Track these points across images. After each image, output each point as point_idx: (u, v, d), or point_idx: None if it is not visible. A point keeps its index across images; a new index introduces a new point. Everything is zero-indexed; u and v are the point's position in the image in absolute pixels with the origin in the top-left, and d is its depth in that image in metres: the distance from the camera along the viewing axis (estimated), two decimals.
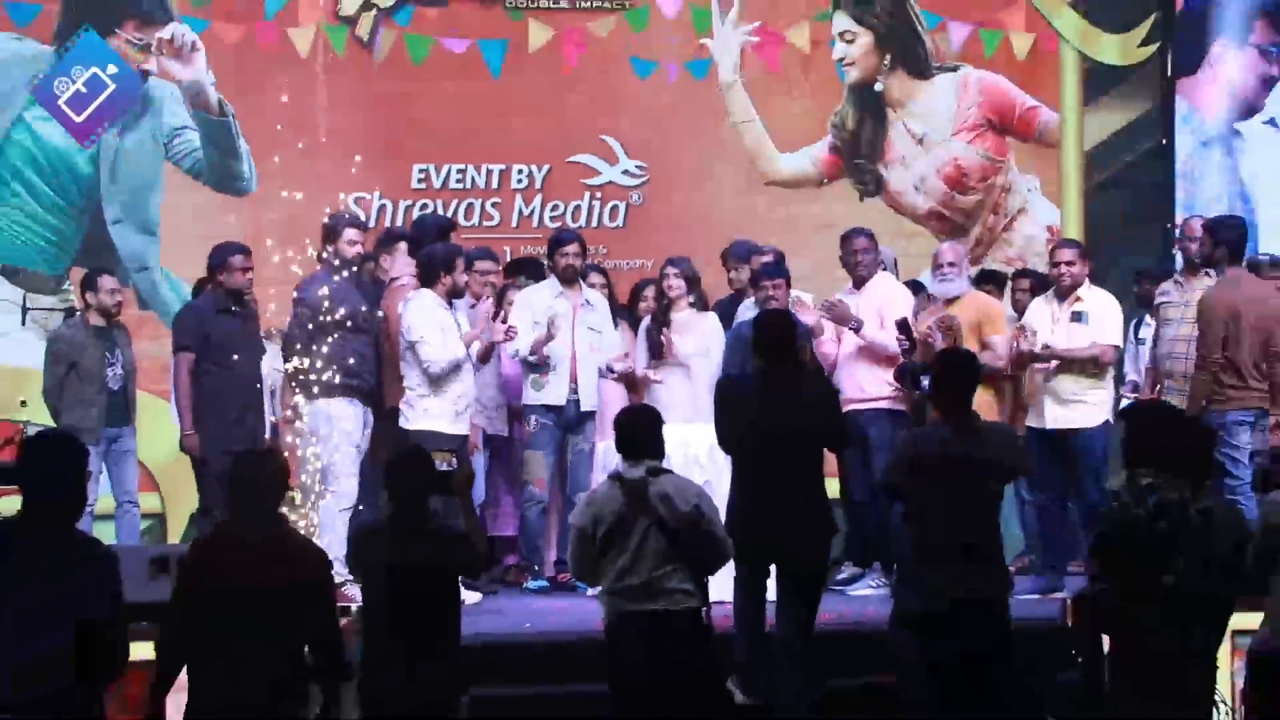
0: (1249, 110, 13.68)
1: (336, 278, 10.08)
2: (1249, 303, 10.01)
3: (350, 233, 10.17)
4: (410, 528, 7.37)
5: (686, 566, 7.53)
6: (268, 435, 10.40)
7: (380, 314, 10.25)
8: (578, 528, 7.69)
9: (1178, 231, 11.51)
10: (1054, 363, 10.13)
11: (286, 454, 10.08)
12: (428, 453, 8.07)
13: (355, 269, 10.20)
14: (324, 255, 10.19)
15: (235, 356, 10.01)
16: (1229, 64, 13.62)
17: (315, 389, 9.88)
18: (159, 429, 11.22)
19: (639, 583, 7.51)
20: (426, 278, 10.05)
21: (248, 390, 10.09)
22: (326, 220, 10.39)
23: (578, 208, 13.02)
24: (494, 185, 12.96)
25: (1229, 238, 10.20)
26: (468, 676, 7.55)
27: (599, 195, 13.07)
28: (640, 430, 7.79)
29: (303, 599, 6.67)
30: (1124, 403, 10.45)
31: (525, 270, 11.30)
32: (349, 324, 9.94)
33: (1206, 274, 10.38)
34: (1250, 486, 9.22)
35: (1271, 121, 13.65)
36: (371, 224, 11.99)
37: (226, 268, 10.06)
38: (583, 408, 10.58)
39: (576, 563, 7.86)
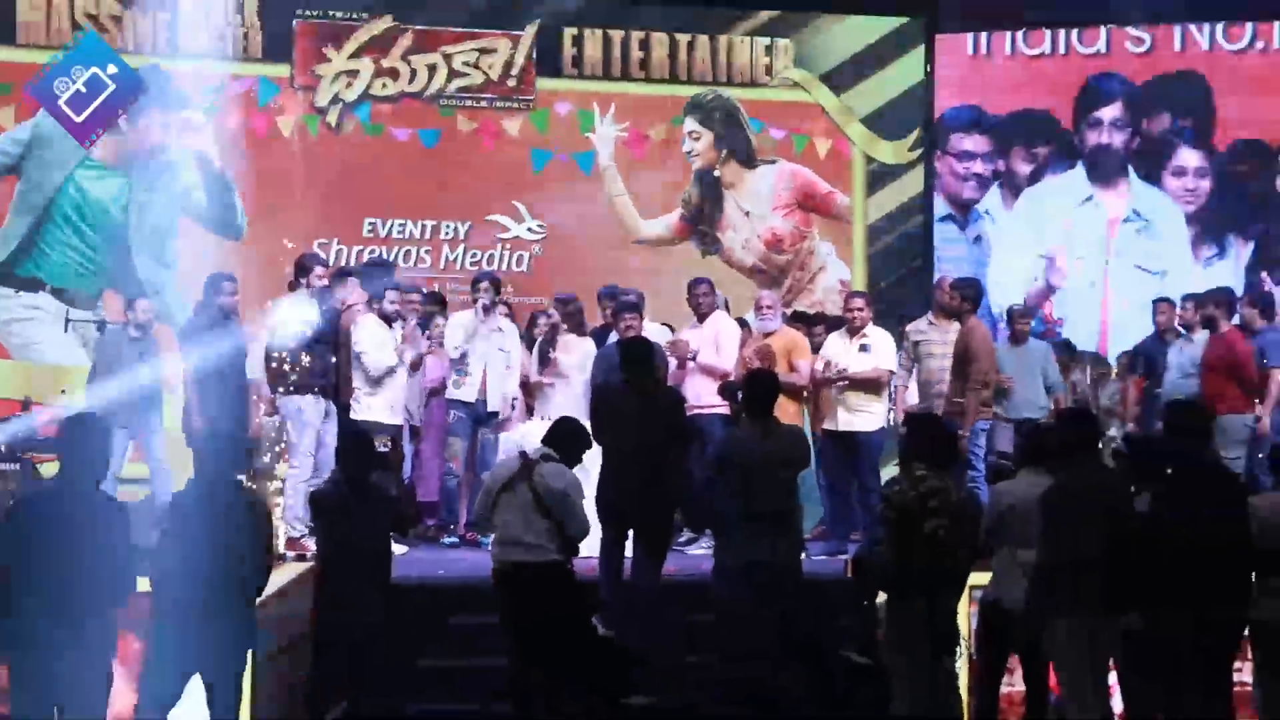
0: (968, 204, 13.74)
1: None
2: (988, 340, 10.11)
3: (318, 270, 9.96)
4: (356, 493, 7.27)
5: (554, 529, 7.48)
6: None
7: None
8: (485, 483, 7.73)
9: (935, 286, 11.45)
10: (845, 381, 10.11)
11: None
12: (370, 436, 7.97)
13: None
14: (298, 285, 9.95)
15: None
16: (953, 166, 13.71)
17: (287, 387, 9.67)
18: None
19: (512, 536, 7.49)
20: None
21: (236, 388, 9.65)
22: (300, 260, 10.17)
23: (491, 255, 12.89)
24: (427, 236, 12.81)
25: (971, 294, 10.24)
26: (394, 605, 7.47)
27: (508, 246, 12.94)
28: (561, 436, 7.80)
29: None
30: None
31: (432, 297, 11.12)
32: (316, 338, 9.73)
33: (953, 319, 10.41)
34: (984, 478, 9.27)
35: (986, 212, 13.69)
36: (330, 263, 11.71)
37: (219, 291, 9.67)
38: (489, 408, 10.36)
39: (476, 511, 7.88)
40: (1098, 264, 13.48)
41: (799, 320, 11.32)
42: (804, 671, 7.17)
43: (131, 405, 9.74)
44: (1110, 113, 13.51)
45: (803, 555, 8.11)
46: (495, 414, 10.41)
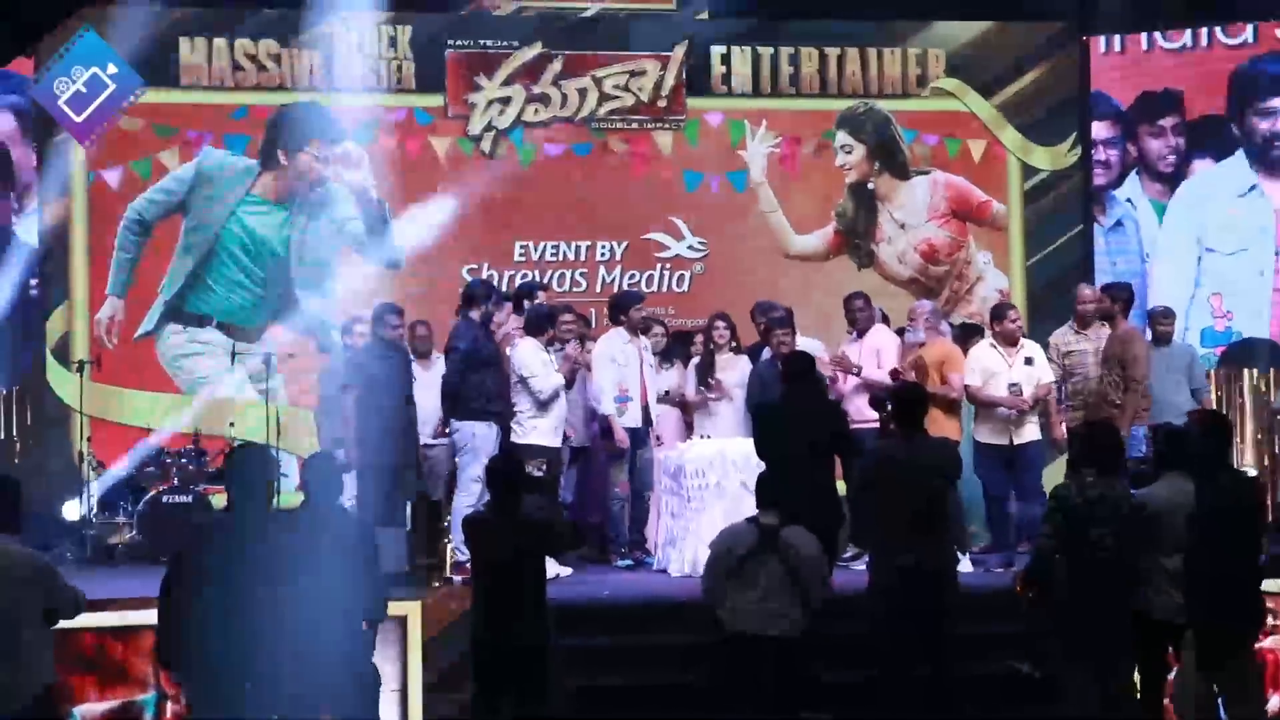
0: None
1: (476, 331, 9.83)
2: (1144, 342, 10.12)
3: (491, 306, 9.95)
4: (506, 516, 7.27)
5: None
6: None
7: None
8: (715, 552, 7.57)
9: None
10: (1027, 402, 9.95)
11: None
12: (520, 460, 7.97)
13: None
14: (466, 313, 10.03)
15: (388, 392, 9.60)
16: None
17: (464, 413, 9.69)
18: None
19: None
20: (532, 329, 9.95)
21: (397, 415, 9.61)
22: (468, 288, 10.20)
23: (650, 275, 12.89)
24: (581, 258, 12.87)
25: (1124, 297, 10.17)
26: (553, 627, 7.45)
27: (668, 265, 12.94)
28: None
29: None
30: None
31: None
32: (486, 362, 9.80)
33: (1101, 325, 10.23)
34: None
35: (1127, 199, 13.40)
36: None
37: (383, 324, 9.74)
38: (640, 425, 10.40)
39: (711, 583, 7.59)
40: (1265, 254, 13.10)
41: (971, 332, 11.09)
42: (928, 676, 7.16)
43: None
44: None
45: (958, 565, 8.00)
46: (646, 433, 10.40)
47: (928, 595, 7.48)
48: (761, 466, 8.29)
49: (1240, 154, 13.20)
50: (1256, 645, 7.42)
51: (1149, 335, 10.57)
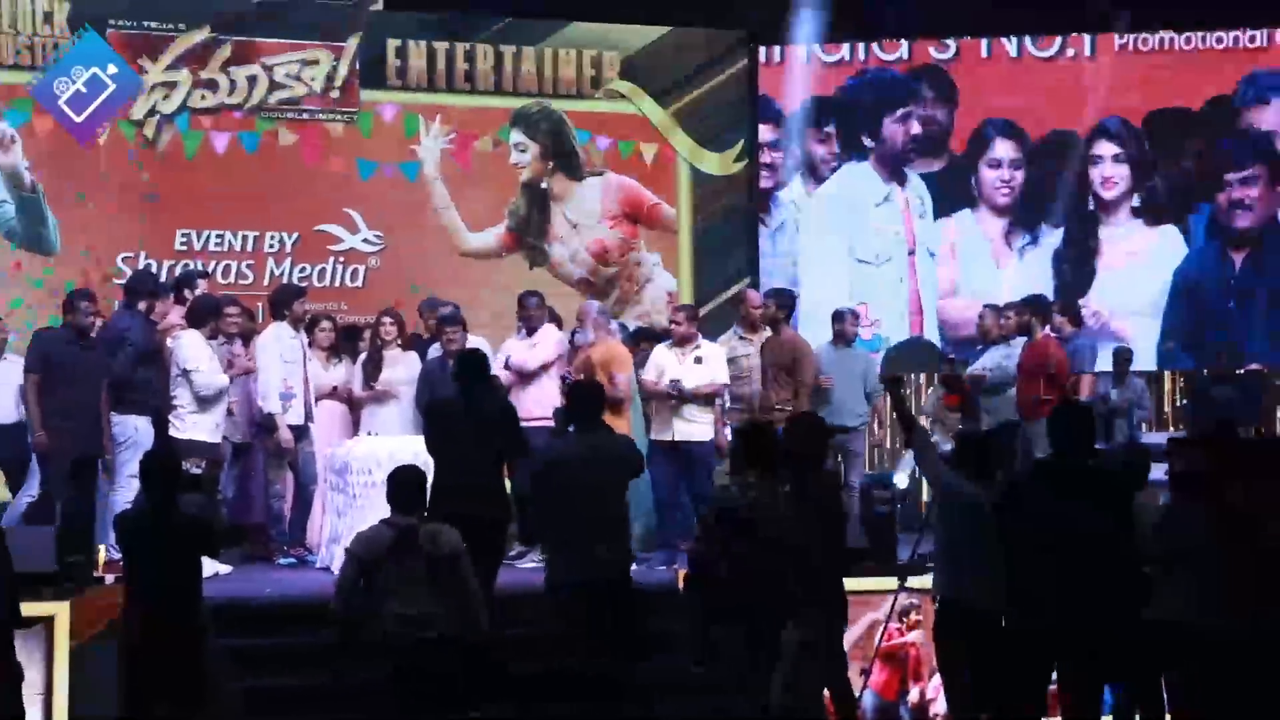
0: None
1: (142, 323, 9.52)
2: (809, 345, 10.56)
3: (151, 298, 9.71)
4: (160, 515, 7.05)
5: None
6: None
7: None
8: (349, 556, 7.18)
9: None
10: (678, 395, 10.08)
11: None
12: (177, 458, 7.68)
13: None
14: (129, 306, 9.67)
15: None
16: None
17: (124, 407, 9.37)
18: None
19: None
20: (195, 320, 9.68)
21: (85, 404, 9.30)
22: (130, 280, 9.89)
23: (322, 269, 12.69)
24: (249, 248, 12.55)
25: (789, 303, 10.60)
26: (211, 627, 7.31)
27: (342, 259, 12.73)
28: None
29: None
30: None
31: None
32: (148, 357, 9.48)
33: (764, 329, 10.52)
34: None
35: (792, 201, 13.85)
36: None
37: (76, 310, 9.33)
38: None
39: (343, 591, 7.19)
40: (903, 260, 13.76)
41: (645, 337, 11.23)
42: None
43: None
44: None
45: (633, 565, 8.09)
46: (307, 428, 10.21)
47: (607, 591, 7.53)
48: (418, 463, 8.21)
49: (869, 162, 13.74)
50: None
51: (830, 337, 10.93)
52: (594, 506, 7.60)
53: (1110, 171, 13.57)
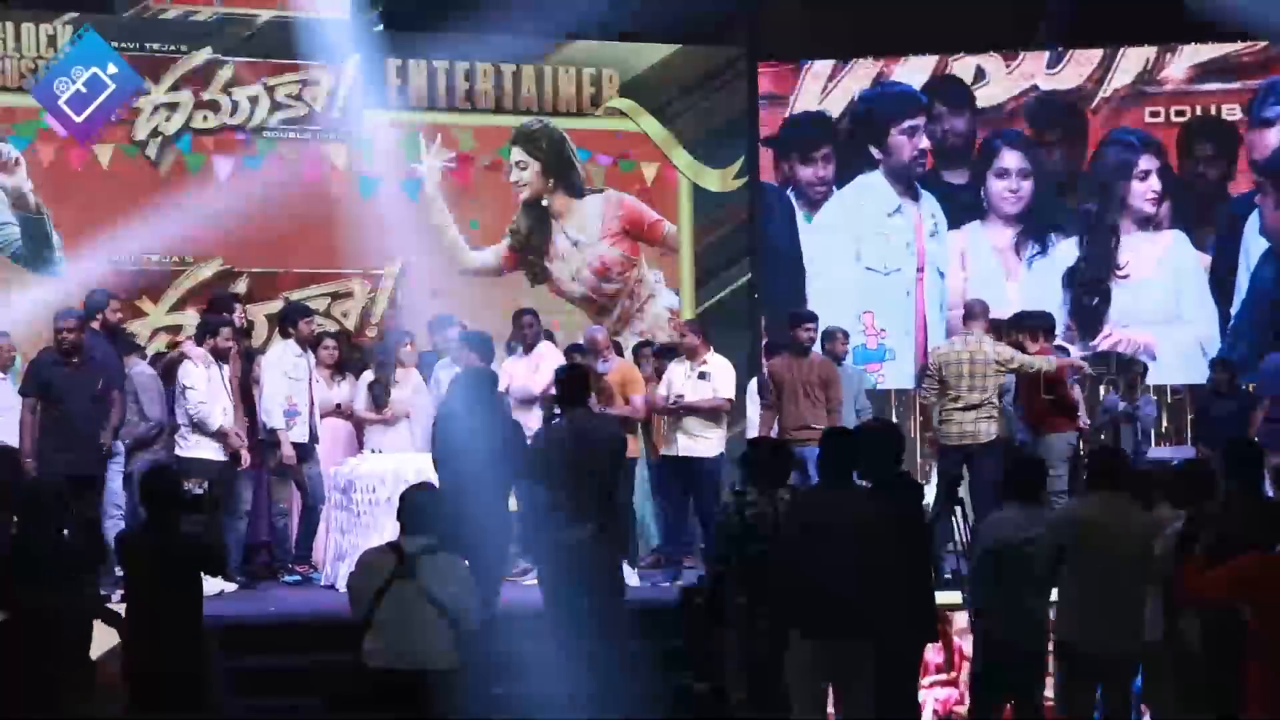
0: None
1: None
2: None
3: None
4: (159, 535, 7.07)
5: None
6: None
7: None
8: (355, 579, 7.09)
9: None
10: (682, 410, 10.15)
11: None
12: (175, 478, 7.63)
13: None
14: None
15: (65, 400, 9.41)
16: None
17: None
18: None
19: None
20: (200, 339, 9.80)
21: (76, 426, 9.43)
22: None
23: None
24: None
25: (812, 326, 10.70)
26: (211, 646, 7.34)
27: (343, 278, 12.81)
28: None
29: None
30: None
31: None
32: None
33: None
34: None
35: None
36: None
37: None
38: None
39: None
40: (911, 273, 13.79)
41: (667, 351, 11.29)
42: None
43: None
44: None
45: (624, 561, 8.20)
46: (312, 447, 10.30)
47: (594, 564, 7.61)
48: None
49: (880, 173, 13.81)
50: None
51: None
52: (584, 482, 7.69)
53: (1139, 185, 13.59)
